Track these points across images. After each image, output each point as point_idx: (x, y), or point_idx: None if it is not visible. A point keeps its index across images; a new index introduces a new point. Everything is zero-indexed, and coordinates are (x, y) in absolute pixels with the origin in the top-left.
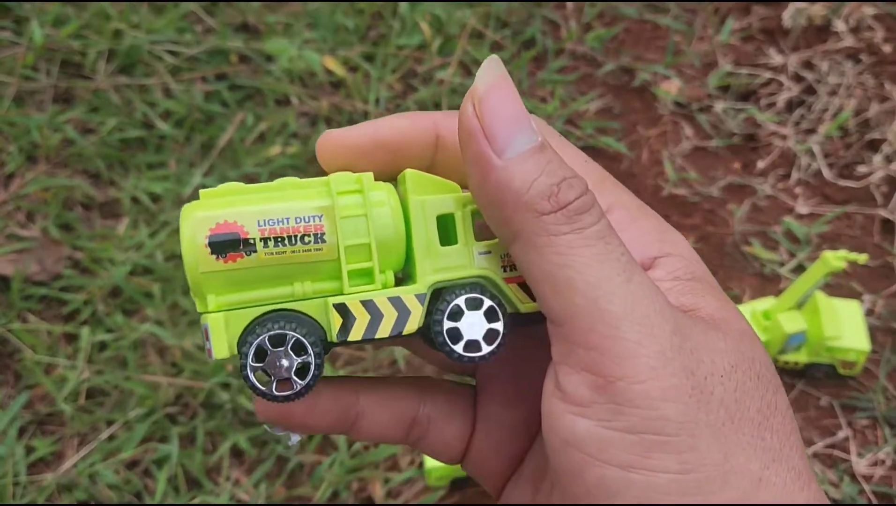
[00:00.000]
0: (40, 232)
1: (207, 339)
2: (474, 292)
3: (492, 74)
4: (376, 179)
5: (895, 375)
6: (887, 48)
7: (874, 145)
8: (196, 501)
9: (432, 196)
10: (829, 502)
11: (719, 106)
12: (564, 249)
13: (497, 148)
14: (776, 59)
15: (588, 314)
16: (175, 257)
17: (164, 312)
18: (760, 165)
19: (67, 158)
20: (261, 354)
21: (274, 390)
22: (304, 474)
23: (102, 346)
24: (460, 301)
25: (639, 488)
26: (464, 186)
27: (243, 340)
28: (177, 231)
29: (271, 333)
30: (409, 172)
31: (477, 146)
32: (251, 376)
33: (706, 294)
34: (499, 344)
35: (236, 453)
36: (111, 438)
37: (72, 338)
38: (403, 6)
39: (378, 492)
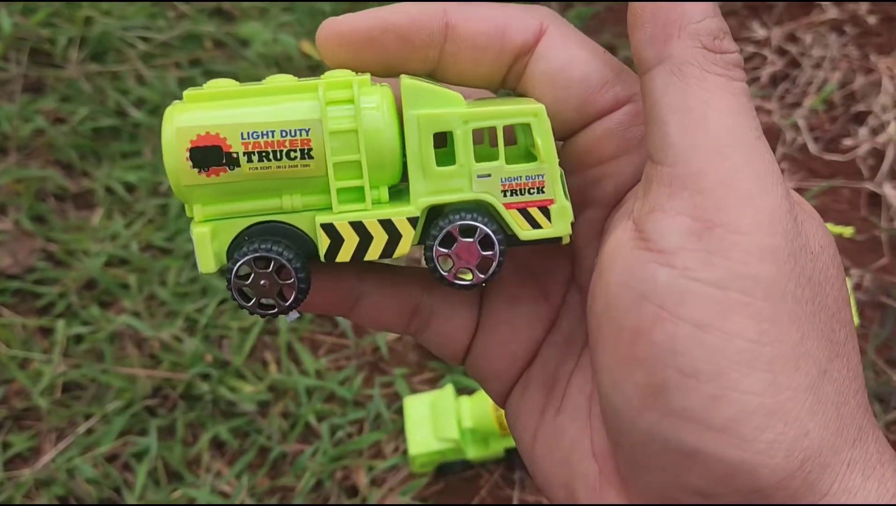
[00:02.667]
0: (13, 224)
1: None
2: (470, 218)
3: None
4: (379, 75)
5: (884, 349)
6: (872, 19)
7: (860, 118)
8: (177, 494)
9: (429, 110)
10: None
11: None
12: (712, 87)
13: None
14: (759, 32)
15: (709, 156)
16: (151, 248)
17: (141, 304)
18: None
19: (39, 148)
20: (246, 272)
21: (258, 306)
22: (286, 464)
23: (78, 339)
24: (454, 228)
25: (708, 350)
26: (471, 88)
27: (230, 255)
28: (152, 221)
29: (256, 254)
30: (405, 80)
31: None
32: (235, 294)
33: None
34: (492, 273)
35: (217, 444)
36: (89, 432)
37: (47, 331)
38: None
39: (362, 480)
